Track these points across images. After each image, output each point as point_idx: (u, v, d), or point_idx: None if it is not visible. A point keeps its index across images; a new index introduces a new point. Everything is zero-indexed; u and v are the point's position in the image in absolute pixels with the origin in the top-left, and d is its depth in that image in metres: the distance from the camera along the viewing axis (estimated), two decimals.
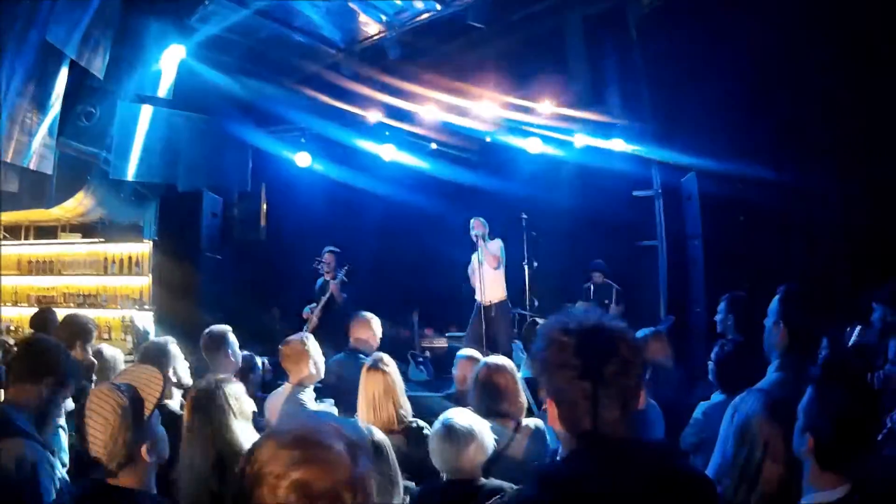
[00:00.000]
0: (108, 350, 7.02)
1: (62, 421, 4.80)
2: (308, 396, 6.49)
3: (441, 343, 14.30)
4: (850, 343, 6.61)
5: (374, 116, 12.98)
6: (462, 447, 4.39)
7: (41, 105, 8.47)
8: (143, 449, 3.39)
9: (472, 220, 12.24)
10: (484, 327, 11.88)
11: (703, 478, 2.70)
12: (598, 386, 2.36)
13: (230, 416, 4.29)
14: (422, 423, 5.61)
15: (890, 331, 5.46)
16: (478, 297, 12.32)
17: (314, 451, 2.01)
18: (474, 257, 12.39)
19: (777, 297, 4.64)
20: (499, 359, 5.70)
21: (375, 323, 8.14)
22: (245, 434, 4.27)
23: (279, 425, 2.24)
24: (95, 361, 6.91)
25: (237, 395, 4.46)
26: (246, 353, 7.46)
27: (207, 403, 4.28)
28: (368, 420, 5.46)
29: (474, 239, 12.04)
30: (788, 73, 9.70)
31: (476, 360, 6.75)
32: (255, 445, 2.12)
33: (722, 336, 6.37)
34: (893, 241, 8.61)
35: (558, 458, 2.57)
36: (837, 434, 3.16)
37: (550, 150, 13.33)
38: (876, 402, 3.51)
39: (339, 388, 6.91)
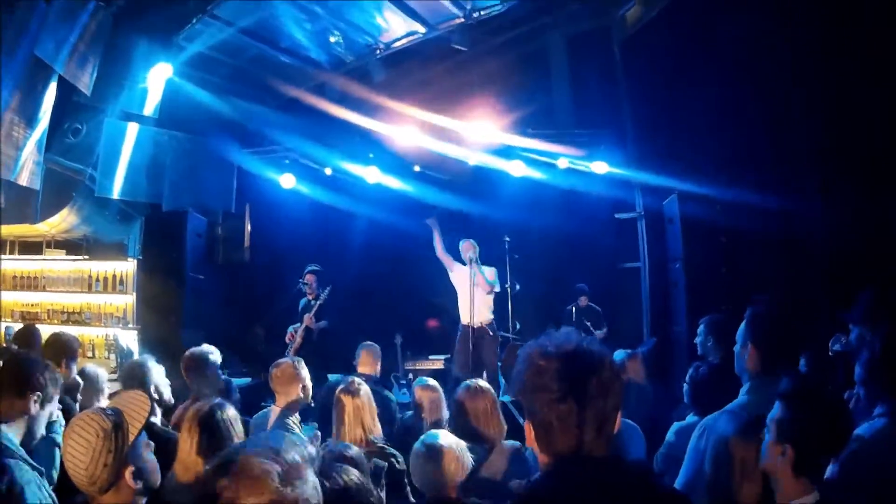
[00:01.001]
0: (92, 369, 7.01)
1: (59, 438, 4.77)
2: (295, 420, 6.51)
3: (424, 365, 14.29)
4: (832, 350, 6.64)
5: (358, 138, 13.01)
6: (443, 466, 4.47)
7: (29, 119, 8.47)
8: (128, 473, 3.37)
9: (463, 243, 12.33)
10: (471, 349, 11.86)
11: (680, 497, 2.74)
12: (576, 408, 2.42)
13: (230, 441, 4.31)
14: (391, 449, 5.67)
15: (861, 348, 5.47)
16: (465, 319, 12.24)
17: (241, 471, 2.07)
18: (458, 276, 12.47)
19: (744, 320, 4.67)
20: (478, 382, 5.78)
21: (377, 352, 8.46)
22: None
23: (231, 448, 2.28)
24: (81, 381, 6.92)
25: (234, 419, 4.50)
26: (222, 376, 7.48)
27: (211, 427, 4.30)
28: (340, 439, 5.54)
29: (467, 261, 12.10)
30: (771, 96, 9.80)
31: (433, 387, 6.88)
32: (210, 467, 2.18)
33: (702, 358, 6.40)
34: (874, 260, 8.69)
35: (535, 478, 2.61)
36: (816, 444, 3.24)
37: (533, 173, 13.35)
38: (846, 410, 3.57)
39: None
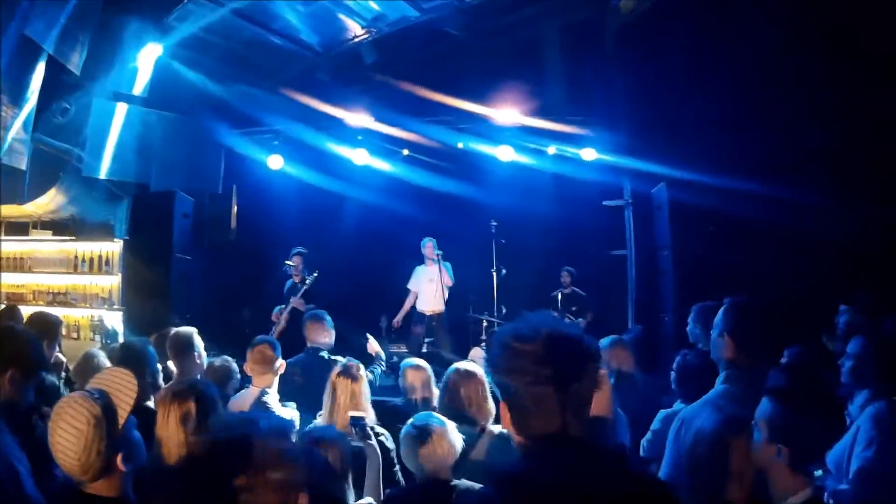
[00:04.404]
0: (99, 355, 6.95)
1: None
2: (273, 399, 6.50)
3: (405, 349, 14.29)
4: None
5: (347, 120, 12.99)
6: (433, 448, 4.48)
7: (17, 99, 8.43)
8: (119, 458, 3.34)
9: (428, 241, 13.50)
10: (432, 334, 13.60)
11: (658, 482, 2.74)
12: (551, 391, 2.41)
13: (211, 419, 4.28)
14: (381, 429, 5.66)
15: (854, 333, 5.50)
16: (427, 307, 13.73)
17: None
18: (424, 272, 13.74)
19: (721, 309, 4.67)
20: (468, 365, 5.77)
21: (329, 321, 8.25)
22: None
23: None
24: (64, 360, 6.89)
25: (215, 400, 4.47)
26: (225, 357, 7.44)
27: (188, 408, 4.26)
28: (329, 422, 5.55)
29: (435, 258, 13.22)
30: (760, 86, 9.81)
31: (421, 367, 6.88)
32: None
33: (693, 346, 6.42)
34: (862, 251, 8.73)
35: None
36: (811, 442, 3.24)
37: (522, 159, 13.36)
38: (838, 403, 3.59)
39: (304, 387, 6.97)
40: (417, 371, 6.91)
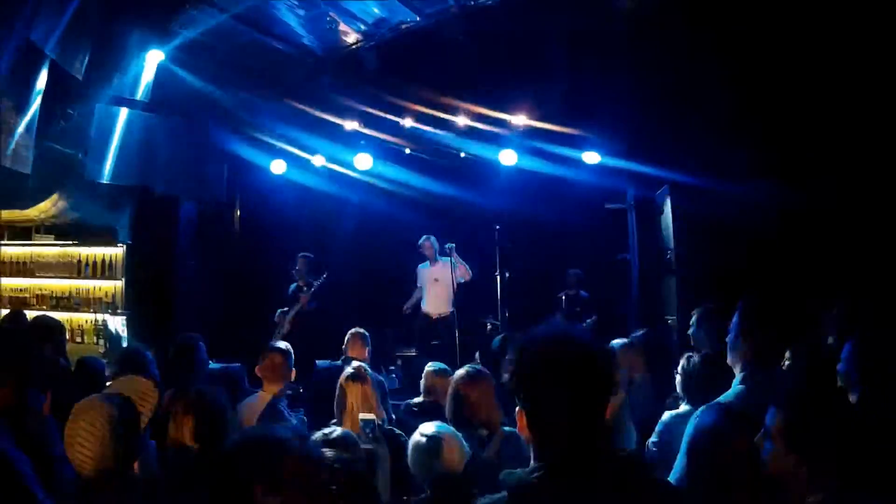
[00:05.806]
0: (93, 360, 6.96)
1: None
2: (283, 405, 6.52)
3: (412, 352, 14.27)
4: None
5: (350, 125, 12.99)
6: (444, 457, 4.47)
7: (20, 104, 8.43)
8: (136, 465, 3.36)
9: (424, 240, 13.38)
10: (441, 339, 12.96)
11: (672, 489, 2.74)
12: (567, 396, 2.43)
13: (225, 427, 4.31)
14: (398, 431, 5.67)
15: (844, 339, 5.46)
16: (433, 309, 13.41)
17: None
18: (427, 271, 13.49)
19: (738, 311, 4.67)
20: (476, 369, 5.74)
21: (366, 338, 8.66)
22: None
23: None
24: (70, 365, 6.89)
25: (225, 407, 4.51)
26: (235, 364, 7.47)
27: (208, 414, 4.28)
28: (346, 428, 5.55)
29: (433, 256, 13.22)
30: (763, 91, 9.82)
31: (444, 371, 6.85)
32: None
33: (695, 349, 6.40)
34: (862, 257, 8.73)
35: (529, 466, 2.61)
36: (832, 453, 3.16)
37: (525, 162, 13.35)
38: (853, 412, 3.53)
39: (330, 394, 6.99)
40: (437, 374, 6.93)
